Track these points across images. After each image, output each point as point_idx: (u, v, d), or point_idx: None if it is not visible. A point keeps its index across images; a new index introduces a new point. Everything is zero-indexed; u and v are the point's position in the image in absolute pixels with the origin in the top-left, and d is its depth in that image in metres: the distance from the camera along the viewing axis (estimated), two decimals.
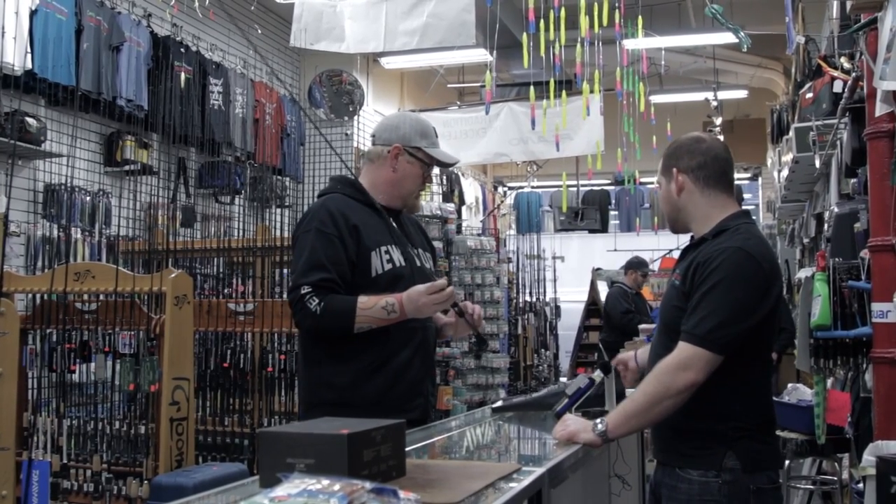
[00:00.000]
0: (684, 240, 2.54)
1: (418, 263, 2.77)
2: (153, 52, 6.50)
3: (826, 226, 5.08)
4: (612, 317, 8.42)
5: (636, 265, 8.69)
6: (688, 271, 2.28)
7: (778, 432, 4.54)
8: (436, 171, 3.09)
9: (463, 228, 9.28)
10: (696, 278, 2.24)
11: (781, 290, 2.34)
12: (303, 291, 2.55)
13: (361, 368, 2.60)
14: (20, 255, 5.33)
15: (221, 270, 5.53)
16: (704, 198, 2.38)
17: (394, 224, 2.77)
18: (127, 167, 6.21)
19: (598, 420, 2.27)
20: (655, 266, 10.62)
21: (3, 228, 4.13)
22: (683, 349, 2.19)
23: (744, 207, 2.53)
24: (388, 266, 2.65)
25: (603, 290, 11.01)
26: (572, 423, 2.34)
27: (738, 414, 2.23)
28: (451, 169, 10.36)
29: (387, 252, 2.67)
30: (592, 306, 11.50)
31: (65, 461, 4.03)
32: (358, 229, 2.63)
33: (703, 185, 2.38)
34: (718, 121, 11.31)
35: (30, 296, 4.33)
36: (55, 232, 5.48)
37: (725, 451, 2.21)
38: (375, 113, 9.35)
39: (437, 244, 7.50)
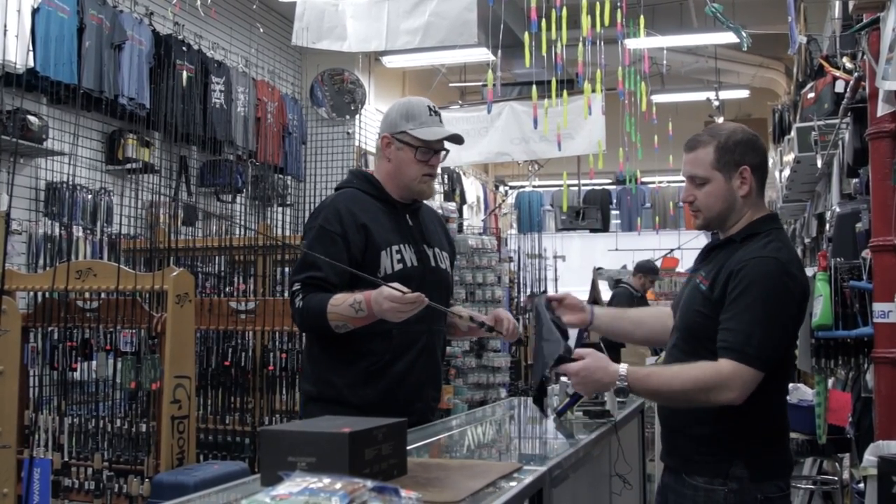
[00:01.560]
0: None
1: (432, 263, 2.68)
2: (155, 50, 6.50)
3: (827, 226, 5.08)
4: None
5: (648, 270, 8.60)
6: (717, 277, 2.19)
7: None
8: (437, 170, 2.98)
9: (464, 227, 9.30)
10: (728, 288, 2.15)
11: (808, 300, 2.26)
12: (293, 289, 2.55)
13: (362, 370, 2.55)
14: (22, 254, 5.34)
15: (223, 269, 5.54)
16: (758, 198, 2.28)
17: (409, 221, 2.69)
18: (129, 165, 6.22)
19: (619, 391, 2.19)
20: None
21: (4, 226, 4.13)
22: (733, 368, 2.08)
23: (774, 210, 2.45)
24: (398, 266, 2.58)
25: (604, 290, 11.00)
26: (584, 373, 2.20)
27: (751, 423, 2.17)
28: (452, 168, 10.37)
29: (398, 252, 2.59)
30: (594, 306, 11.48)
31: (66, 459, 4.04)
32: (367, 228, 2.57)
33: (760, 186, 2.28)
34: (720, 120, 11.30)
35: (31, 294, 4.34)
36: (57, 230, 5.49)
37: (733, 458, 2.16)
38: (377, 112, 9.35)
39: None
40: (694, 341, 2.22)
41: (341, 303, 2.46)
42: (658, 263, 10.72)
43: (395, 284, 2.36)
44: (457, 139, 2.71)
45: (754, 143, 2.28)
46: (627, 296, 8.48)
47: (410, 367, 2.59)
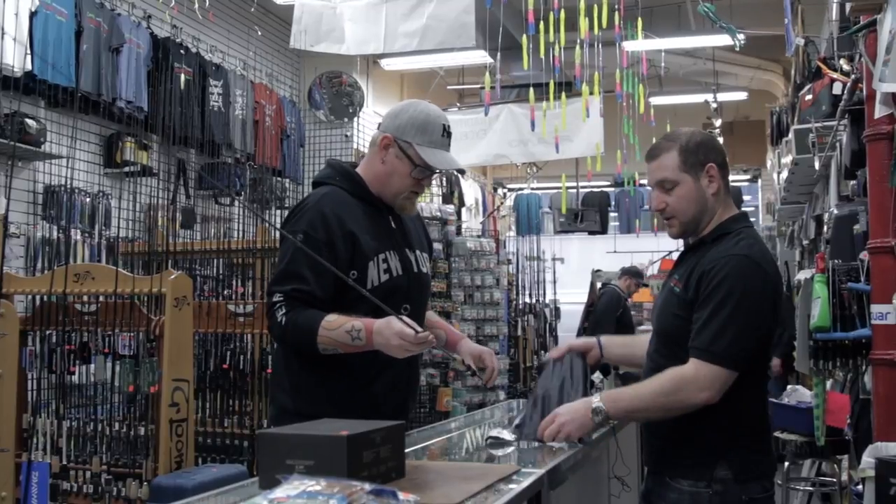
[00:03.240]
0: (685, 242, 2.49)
1: (415, 269, 2.54)
2: (153, 53, 6.50)
3: (825, 227, 5.09)
4: (602, 319, 8.61)
5: (633, 273, 8.98)
6: (689, 278, 2.19)
7: (777, 434, 4.55)
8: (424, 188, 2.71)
9: (463, 230, 9.29)
10: (701, 288, 2.15)
11: (783, 296, 2.27)
12: (274, 300, 2.35)
13: (347, 386, 2.41)
14: (20, 257, 5.33)
15: (221, 272, 5.53)
16: (726, 197, 2.29)
17: (392, 224, 2.53)
18: (127, 168, 6.21)
19: (595, 410, 2.19)
20: (655, 268, 10.65)
21: (2, 230, 4.13)
22: (699, 368, 2.10)
23: (744, 209, 2.46)
24: (384, 277, 2.42)
25: None
26: (564, 416, 2.23)
27: (732, 423, 2.16)
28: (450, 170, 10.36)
29: (385, 260, 2.43)
30: (592, 308, 11.50)
31: (64, 462, 4.04)
32: (354, 236, 2.39)
33: (725, 184, 2.29)
34: (718, 122, 11.35)
35: (29, 297, 4.33)
36: (55, 233, 5.48)
37: (717, 460, 2.15)
38: (375, 115, 9.35)
39: (437, 246, 7.51)
40: (672, 345, 2.22)
41: (336, 327, 2.28)
42: (657, 266, 10.78)
43: (407, 320, 2.20)
44: (461, 171, 2.70)
45: (713, 142, 2.34)
46: (616, 296, 8.75)
47: (396, 381, 2.48)
